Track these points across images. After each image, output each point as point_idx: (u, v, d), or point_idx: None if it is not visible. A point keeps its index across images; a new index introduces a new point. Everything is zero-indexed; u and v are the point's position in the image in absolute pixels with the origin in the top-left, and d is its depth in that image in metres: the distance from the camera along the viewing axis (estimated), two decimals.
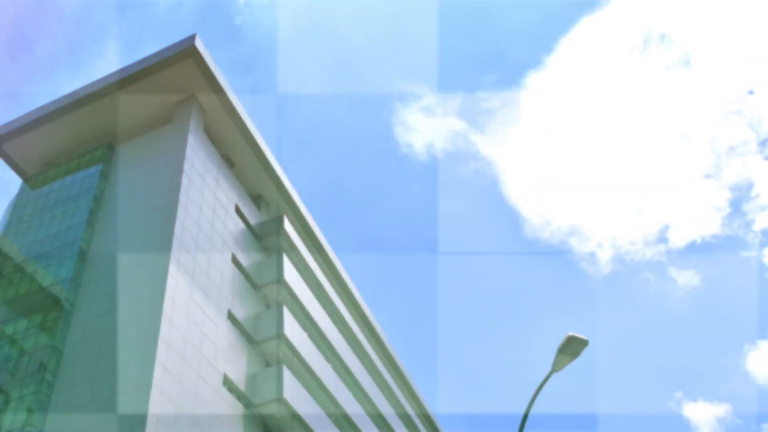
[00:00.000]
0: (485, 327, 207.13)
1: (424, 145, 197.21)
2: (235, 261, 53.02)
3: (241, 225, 56.73)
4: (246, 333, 50.61)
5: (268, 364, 51.75)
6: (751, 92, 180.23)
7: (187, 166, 50.37)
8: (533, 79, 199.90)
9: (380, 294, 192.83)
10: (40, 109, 57.00)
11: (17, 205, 55.08)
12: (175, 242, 44.94)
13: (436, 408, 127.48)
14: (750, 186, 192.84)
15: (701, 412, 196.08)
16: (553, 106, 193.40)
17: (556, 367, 17.77)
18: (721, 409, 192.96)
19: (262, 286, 55.25)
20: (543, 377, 18.58)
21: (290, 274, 56.56)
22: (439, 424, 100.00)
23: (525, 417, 18.45)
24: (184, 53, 53.68)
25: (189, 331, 42.58)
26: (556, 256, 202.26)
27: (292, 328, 52.55)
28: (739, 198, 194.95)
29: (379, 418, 71.21)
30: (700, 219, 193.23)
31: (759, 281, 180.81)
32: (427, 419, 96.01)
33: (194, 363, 41.79)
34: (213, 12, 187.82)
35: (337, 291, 72.29)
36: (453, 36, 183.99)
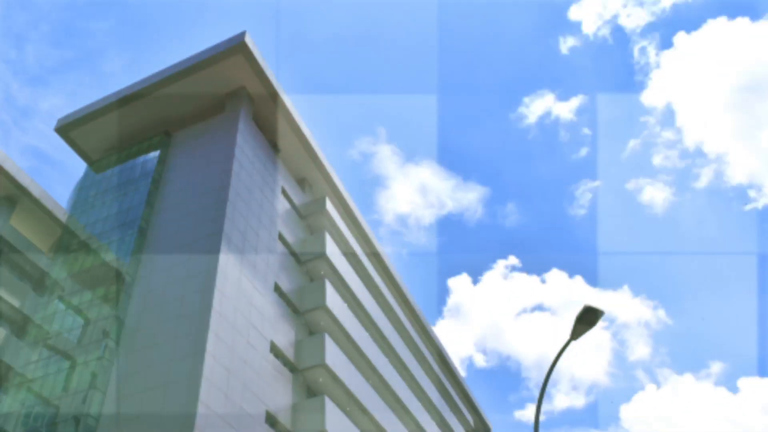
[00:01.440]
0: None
1: None
2: (281, 238, 53.12)
3: (287, 205, 56.81)
4: (291, 304, 50.74)
5: (311, 333, 51.87)
6: None
7: (237, 152, 50.49)
8: None
9: (415, 268, 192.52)
10: (103, 100, 57.39)
11: (82, 187, 55.52)
12: (227, 221, 45.09)
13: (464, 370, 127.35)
14: None
15: None
16: None
17: (574, 335, 17.53)
18: None
19: (306, 261, 55.37)
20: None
21: (332, 250, 56.64)
22: (469, 389, 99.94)
23: (546, 381, 18.24)
24: (235, 49, 53.76)
25: (239, 302, 42.73)
26: None
27: (333, 300, 52.63)
28: None
29: (413, 383, 71.26)
30: None
31: None
32: (457, 385, 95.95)
33: (244, 331, 41.93)
34: None
35: (374, 265, 72.25)
36: None
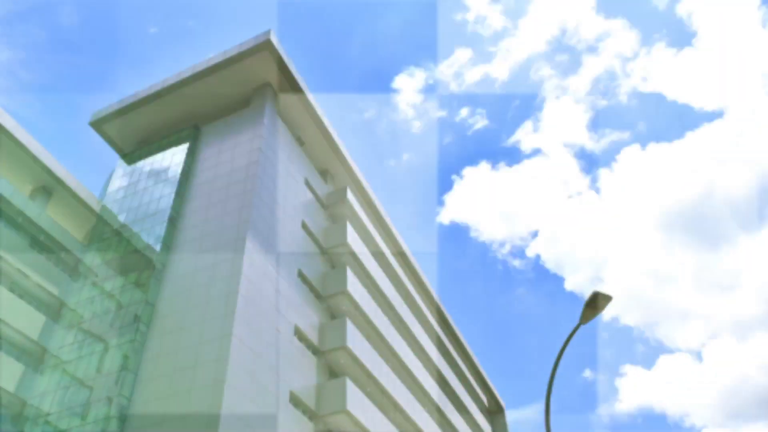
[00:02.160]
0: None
1: None
2: (304, 227, 53.07)
3: (310, 196, 56.74)
4: (314, 289, 50.70)
5: (333, 317, 51.86)
6: None
7: (263, 145, 50.46)
8: None
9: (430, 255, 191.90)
10: (135, 95, 57.56)
11: (115, 179, 55.71)
12: (253, 211, 45.07)
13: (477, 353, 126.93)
14: None
15: None
16: None
17: (583, 320, 17.38)
18: None
19: (328, 249, 55.29)
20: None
21: (352, 238, 56.56)
22: (484, 372, 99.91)
23: (555, 365, 18.13)
24: (261, 46, 53.86)
25: (264, 287, 42.73)
26: None
27: (354, 285, 52.60)
28: None
29: (430, 365, 71.27)
30: None
31: None
32: (472, 366, 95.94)
33: (269, 315, 41.93)
34: None
35: (393, 254, 72.19)
36: None
